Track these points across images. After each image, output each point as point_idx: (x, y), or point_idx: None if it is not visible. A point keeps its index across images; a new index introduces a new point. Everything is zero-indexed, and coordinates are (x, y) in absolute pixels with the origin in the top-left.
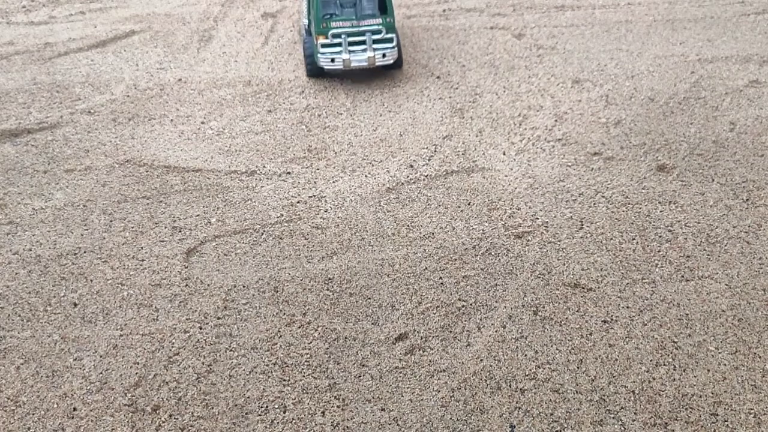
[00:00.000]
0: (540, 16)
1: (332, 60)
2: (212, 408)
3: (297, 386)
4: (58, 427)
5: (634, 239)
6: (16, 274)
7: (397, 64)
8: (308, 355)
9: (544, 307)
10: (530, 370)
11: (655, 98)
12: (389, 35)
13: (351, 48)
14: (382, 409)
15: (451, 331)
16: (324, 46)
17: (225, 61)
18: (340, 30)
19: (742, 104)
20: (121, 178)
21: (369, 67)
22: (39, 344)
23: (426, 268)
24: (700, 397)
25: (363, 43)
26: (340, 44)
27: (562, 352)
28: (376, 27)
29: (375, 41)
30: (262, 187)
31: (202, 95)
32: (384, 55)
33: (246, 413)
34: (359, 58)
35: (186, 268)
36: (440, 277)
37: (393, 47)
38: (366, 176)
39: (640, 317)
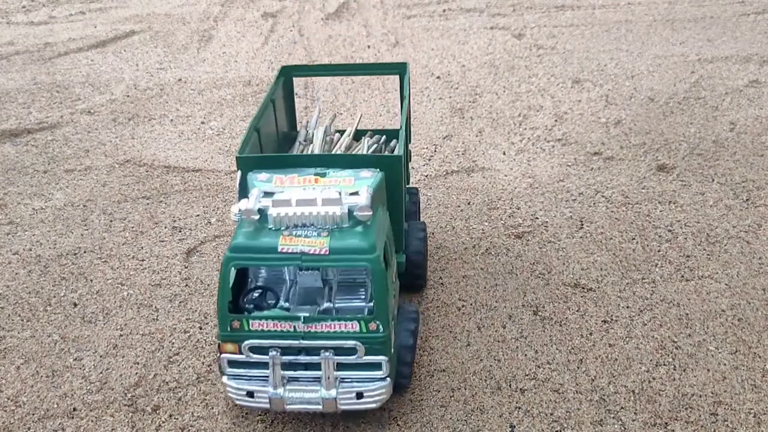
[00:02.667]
0: (540, 16)
1: (249, 394)
2: (212, 408)
3: None
4: (58, 427)
5: (634, 239)
6: (16, 274)
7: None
8: None
9: (544, 307)
10: (530, 370)
11: (655, 98)
12: (378, 357)
13: (289, 373)
14: (382, 409)
15: (451, 331)
16: (233, 364)
17: (225, 61)
18: (266, 338)
19: (742, 104)
20: (121, 178)
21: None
22: (39, 344)
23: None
24: (700, 397)
25: (316, 366)
26: (266, 366)
27: (562, 352)
28: (345, 341)
29: (341, 365)
30: None
31: (202, 95)
32: (360, 396)
33: (246, 413)
34: (305, 398)
35: (186, 268)
36: (440, 277)
37: (382, 380)
38: None
39: (640, 317)
